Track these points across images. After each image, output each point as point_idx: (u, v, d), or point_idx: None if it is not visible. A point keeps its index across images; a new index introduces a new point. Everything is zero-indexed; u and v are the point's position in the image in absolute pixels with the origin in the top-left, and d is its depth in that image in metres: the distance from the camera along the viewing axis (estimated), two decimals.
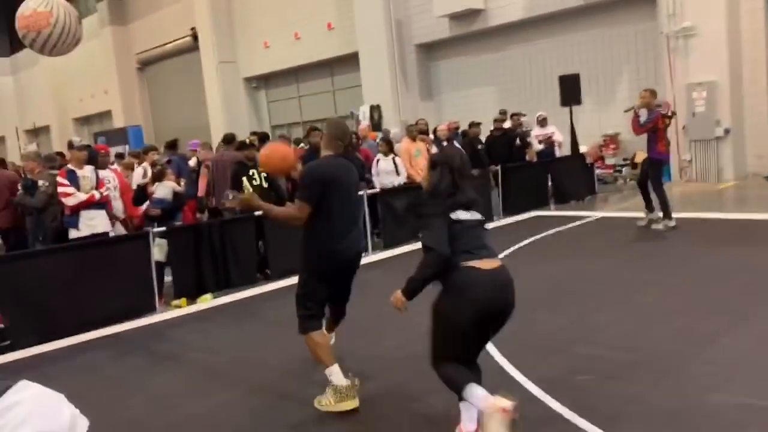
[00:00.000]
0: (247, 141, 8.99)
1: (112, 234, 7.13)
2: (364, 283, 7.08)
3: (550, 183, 11.34)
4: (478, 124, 11.33)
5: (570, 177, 11.49)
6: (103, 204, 6.96)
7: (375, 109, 16.12)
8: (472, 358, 3.31)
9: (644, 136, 8.55)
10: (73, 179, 6.75)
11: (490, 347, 4.60)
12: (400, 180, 9.38)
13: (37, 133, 33.00)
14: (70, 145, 7.15)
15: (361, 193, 8.41)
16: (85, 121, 31.72)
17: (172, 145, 9.81)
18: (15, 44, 32.03)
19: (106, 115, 28.70)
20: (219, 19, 21.38)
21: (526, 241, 8.35)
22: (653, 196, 8.49)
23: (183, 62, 24.40)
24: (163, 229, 6.97)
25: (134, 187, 8.00)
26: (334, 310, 4.45)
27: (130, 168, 9.23)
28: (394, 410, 3.73)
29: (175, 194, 7.53)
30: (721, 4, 11.53)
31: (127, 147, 20.17)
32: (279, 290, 7.01)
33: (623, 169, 13.62)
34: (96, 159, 7.42)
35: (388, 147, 9.52)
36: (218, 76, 21.58)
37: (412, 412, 3.69)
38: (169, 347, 5.54)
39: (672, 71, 12.24)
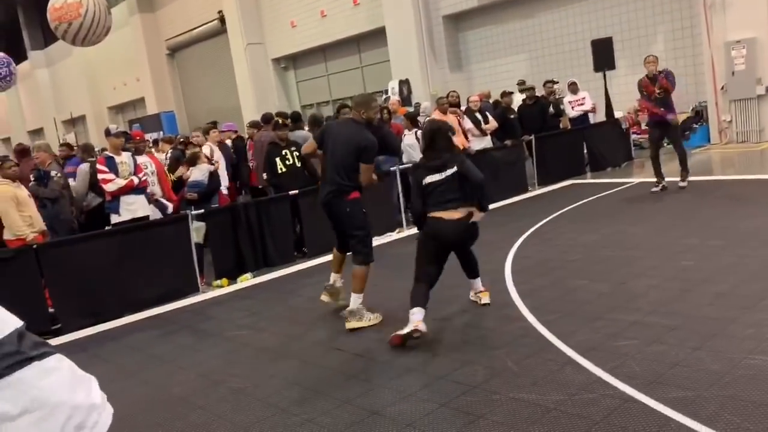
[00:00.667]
0: (280, 121, 9.06)
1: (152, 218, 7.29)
2: (401, 258, 7.16)
3: (585, 150, 11.16)
4: (510, 93, 11.18)
5: (605, 143, 11.28)
6: (142, 189, 7.11)
7: (404, 84, 16.01)
8: (436, 274, 4.63)
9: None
10: (112, 165, 6.91)
11: (528, 315, 4.61)
12: None
13: (74, 123, 33.67)
14: (108, 133, 7.28)
15: (393, 168, 8.53)
16: (119, 109, 32.26)
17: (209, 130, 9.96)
18: (49, 37, 32.62)
19: (140, 102, 29.12)
20: (245, 1, 21.39)
21: (563, 210, 8.27)
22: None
23: (211, 46, 24.55)
24: (200, 211, 7.10)
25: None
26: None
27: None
28: (433, 379, 3.78)
29: (211, 176, 7.65)
30: None
31: (161, 133, 20.49)
32: (316, 267, 7.11)
33: None
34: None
35: (412, 122, 9.45)
36: (247, 58, 21.66)
37: (451, 379, 3.73)
38: (213, 325, 5.68)
39: (709, 30, 11.86)
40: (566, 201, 8.80)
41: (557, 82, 12.15)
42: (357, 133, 4.99)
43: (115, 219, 6.98)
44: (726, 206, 7.30)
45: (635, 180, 9.59)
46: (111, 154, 7.04)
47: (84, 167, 7.68)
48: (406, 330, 4.30)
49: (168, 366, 4.79)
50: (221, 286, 6.96)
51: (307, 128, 9.23)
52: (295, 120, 9.85)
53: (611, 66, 12.43)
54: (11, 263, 5.81)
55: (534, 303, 4.86)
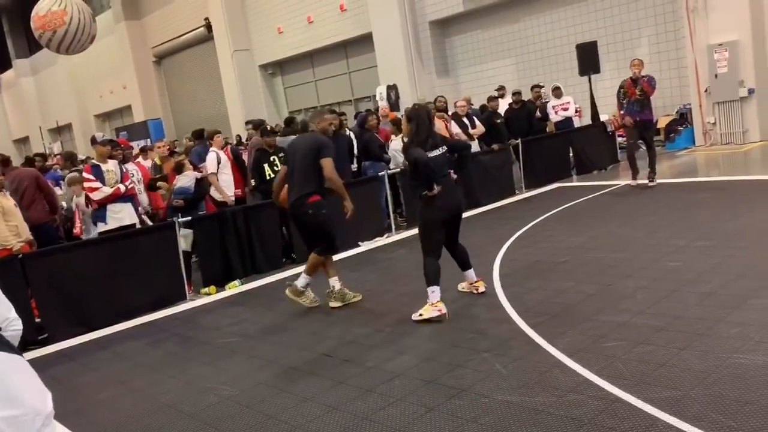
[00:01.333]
0: (268, 128, 9.04)
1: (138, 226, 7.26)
2: (388, 263, 7.18)
3: (571, 153, 11.24)
4: (496, 98, 11.24)
5: (591, 146, 11.36)
6: (128, 197, 7.08)
7: (392, 89, 16.05)
8: (445, 245, 5.12)
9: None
10: (98, 174, 6.87)
11: (516, 318, 4.63)
12: None
13: (59, 131, 33.48)
14: (94, 141, 7.26)
15: (382, 173, 8.54)
16: (106, 117, 32.09)
17: (199, 135, 9.92)
18: (33, 45, 32.43)
19: (126, 110, 28.99)
20: (232, 8, 21.38)
21: (550, 213, 8.31)
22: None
23: (198, 53, 24.51)
24: (188, 219, 7.07)
25: (210, 172, 8.08)
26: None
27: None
28: (422, 383, 3.78)
29: (197, 183, 7.62)
30: None
31: (148, 141, 20.40)
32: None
33: None
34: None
35: (399, 127, 9.49)
36: (234, 64, 21.63)
37: (440, 383, 3.73)
38: (201, 333, 5.66)
39: (692, 33, 11.99)
40: (553, 204, 8.85)
41: (543, 87, 12.24)
42: (312, 139, 5.58)
43: (101, 227, 6.93)
44: (711, 207, 7.36)
45: (621, 182, 9.66)
46: (97, 163, 7.00)
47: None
48: (434, 313, 4.81)
49: (156, 374, 4.76)
50: (209, 294, 6.94)
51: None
52: (288, 124, 9.87)
53: (596, 70, 12.53)
54: None
55: (522, 305, 4.89)
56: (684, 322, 4.10)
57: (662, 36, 13.14)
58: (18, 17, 32.66)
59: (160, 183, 8.09)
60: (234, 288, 7.05)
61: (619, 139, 12.49)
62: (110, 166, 7.01)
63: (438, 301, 4.84)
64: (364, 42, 17.91)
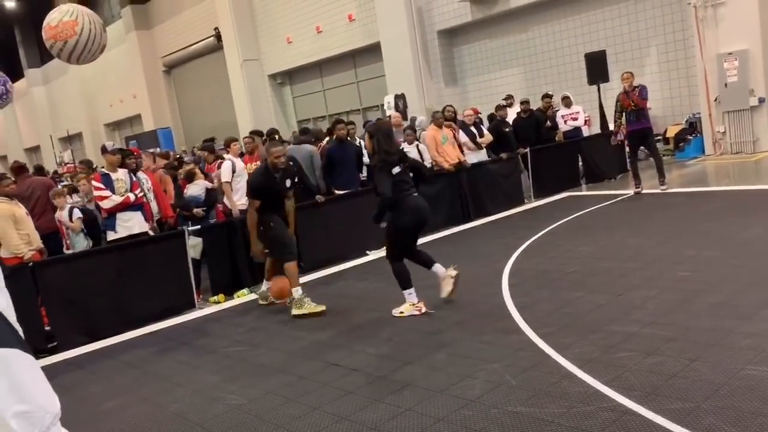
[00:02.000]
0: (276, 138, 9.09)
1: (150, 234, 7.28)
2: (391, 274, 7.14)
3: (580, 163, 11.21)
4: (505, 106, 11.24)
5: (600, 155, 11.33)
6: (138, 206, 7.11)
7: (400, 98, 16.08)
8: (411, 249, 5.51)
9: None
10: (108, 182, 6.91)
11: (525, 328, 4.61)
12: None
13: (70, 140, 33.72)
14: (104, 150, 7.29)
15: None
16: (116, 126, 32.32)
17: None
18: (45, 55, 32.75)
19: (136, 119, 29.19)
20: (241, 18, 21.53)
21: (560, 222, 8.29)
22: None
23: (208, 62, 24.67)
24: (197, 227, 7.09)
25: (224, 180, 7.95)
26: None
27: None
28: (431, 393, 3.76)
29: (208, 192, 7.65)
30: None
31: (157, 149, 20.51)
32: (313, 281, 7.09)
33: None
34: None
35: (414, 135, 9.54)
36: (243, 74, 21.76)
37: (449, 393, 3.71)
38: (209, 342, 5.66)
39: (702, 42, 11.96)
40: (562, 213, 8.82)
41: (552, 96, 12.24)
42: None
43: (111, 236, 6.96)
44: (722, 217, 7.32)
45: (631, 191, 9.62)
46: (107, 171, 7.04)
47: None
48: (414, 312, 5.27)
49: (165, 383, 4.76)
50: (218, 302, 6.94)
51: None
52: (304, 133, 9.94)
53: (605, 79, 12.52)
54: (7, 281, 5.76)
55: (531, 316, 4.86)
56: (695, 333, 4.06)
57: (671, 45, 13.12)
58: (30, 27, 33.03)
59: None
60: (243, 296, 7.06)
61: (628, 149, 12.45)
62: (120, 175, 7.04)
63: (418, 302, 5.31)
64: (372, 51, 17.98)
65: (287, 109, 22.63)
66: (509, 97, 12.88)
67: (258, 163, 7.67)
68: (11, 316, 1.66)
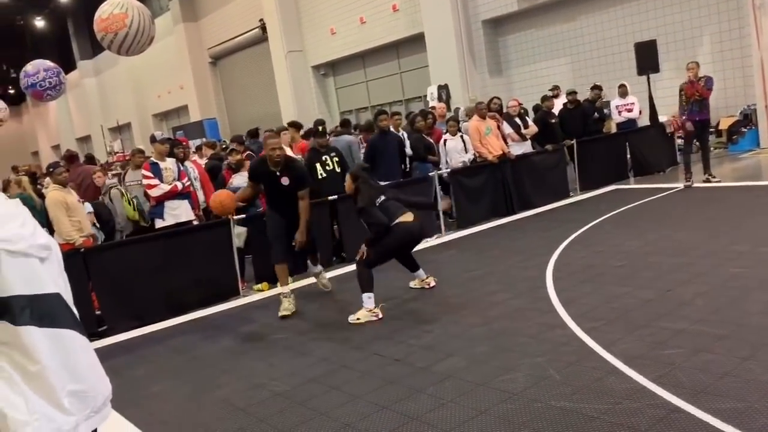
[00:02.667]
0: (320, 129, 9.13)
1: (195, 223, 7.42)
2: (437, 264, 7.14)
3: (628, 155, 10.95)
4: (551, 97, 11.05)
5: (650, 148, 11.04)
6: (186, 194, 7.25)
7: (443, 89, 15.97)
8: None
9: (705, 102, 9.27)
10: (157, 171, 7.07)
11: (570, 322, 4.54)
12: (468, 157, 9.30)
13: (120, 130, 34.57)
14: (153, 139, 7.47)
15: (432, 174, 8.51)
16: (163, 116, 32.99)
17: (253, 134, 10.09)
18: (96, 47, 33.61)
19: (183, 109, 29.74)
20: (286, 9, 21.66)
21: (606, 216, 8.12)
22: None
23: (253, 54, 24.92)
24: (242, 216, 7.19)
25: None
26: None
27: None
28: (473, 386, 3.74)
29: None
30: None
31: (203, 139, 20.87)
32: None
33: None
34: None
35: (456, 126, 9.48)
36: (287, 65, 21.91)
37: (491, 386, 3.69)
38: (254, 329, 5.75)
39: (758, 31, 11.51)
40: (609, 206, 8.64)
41: (602, 87, 11.97)
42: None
43: (159, 224, 7.13)
44: None
45: (681, 185, 9.36)
46: (156, 161, 7.20)
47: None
48: (371, 318, 5.28)
49: (210, 368, 4.86)
50: (261, 290, 7.04)
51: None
52: (344, 125, 10.01)
53: (655, 69, 12.17)
54: None
55: (576, 310, 4.78)
56: (747, 331, 3.93)
57: (726, 34, 12.67)
58: (83, 20, 33.88)
59: None
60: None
61: (679, 141, 12.12)
62: (168, 164, 7.20)
63: (375, 308, 5.32)
64: (415, 42, 17.88)
65: (330, 100, 22.72)
66: (555, 87, 12.68)
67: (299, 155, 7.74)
68: (69, 299, 1.73)
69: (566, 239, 7.16)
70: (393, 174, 8.60)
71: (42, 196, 7.51)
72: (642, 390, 3.37)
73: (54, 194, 6.61)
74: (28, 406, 1.56)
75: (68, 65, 36.23)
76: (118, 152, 25.80)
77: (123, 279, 6.34)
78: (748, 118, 12.35)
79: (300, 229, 5.98)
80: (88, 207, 7.52)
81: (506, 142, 9.64)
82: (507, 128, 9.84)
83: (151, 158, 7.57)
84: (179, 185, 7.13)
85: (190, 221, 7.26)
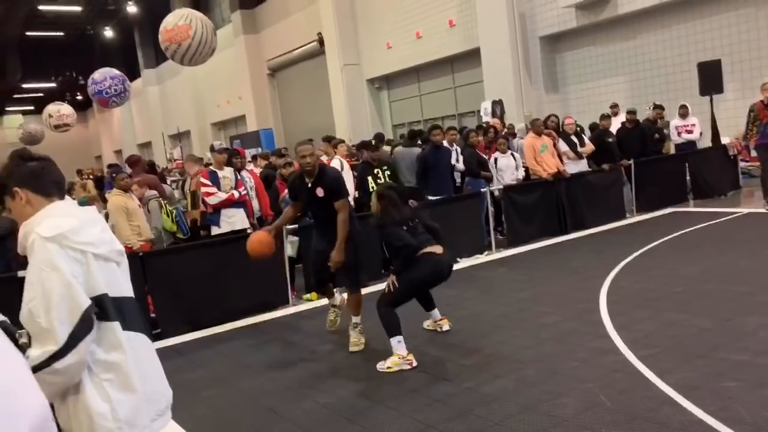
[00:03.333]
0: (373, 143, 9.21)
1: (250, 231, 7.55)
2: (487, 282, 7.07)
3: (688, 177, 10.63)
4: (609, 116, 10.84)
5: (711, 171, 10.69)
6: (241, 203, 7.39)
7: (497, 104, 15.87)
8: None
9: None
10: (215, 180, 7.24)
11: (623, 348, 4.42)
12: (520, 174, 9.21)
13: (179, 137, 35.60)
14: (212, 149, 7.65)
15: (484, 189, 8.46)
16: (221, 125, 33.82)
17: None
18: (160, 56, 34.75)
19: (241, 119, 30.41)
20: (344, 24, 21.97)
21: (664, 239, 7.89)
22: None
23: (310, 66, 25.32)
24: (294, 226, 7.28)
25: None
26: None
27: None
28: (521, 409, 3.68)
29: None
30: None
31: (259, 149, 21.28)
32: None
33: None
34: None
35: (505, 144, 9.40)
36: (343, 78, 22.18)
37: (540, 411, 3.62)
38: (302, 338, 5.80)
39: None
40: (667, 229, 8.39)
41: (663, 107, 11.68)
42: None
43: (215, 231, 7.29)
44: None
45: (744, 210, 9.03)
46: (214, 169, 7.38)
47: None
48: (404, 366, 4.61)
49: (259, 376, 4.92)
50: (310, 300, 7.11)
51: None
52: (412, 137, 10.13)
53: (719, 90, 11.80)
54: None
55: (630, 336, 4.65)
56: None
57: None
58: (148, 30, 35.14)
59: None
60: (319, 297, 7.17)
61: (742, 164, 11.70)
62: (226, 173, 7.36)
63: (408, 354, 4.66)
64: (470, 57, 17.84)
65: (383, 113, 22.86)
66: (615, 105, 12.43)
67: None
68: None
69: (621, 261, 6.99)
70: (445, 189, 8.59)
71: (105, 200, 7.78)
72: (700, 423, 3.25)
73: (116, 199, 6.85)
74: (113, 414, 1.62)
75: (133, 73, 37.57)
76: (177, 159, 26.56)
77: (178, 283, 6.50)
78: None
79: (337, 247, 5.30)
80: None
81: (561, 161, 9.50)
82: (563, 146, 9.70)
83: (210, 167, 7.76)
84: (236, 194, 7.28)
85: (245, 229, 7.39)
